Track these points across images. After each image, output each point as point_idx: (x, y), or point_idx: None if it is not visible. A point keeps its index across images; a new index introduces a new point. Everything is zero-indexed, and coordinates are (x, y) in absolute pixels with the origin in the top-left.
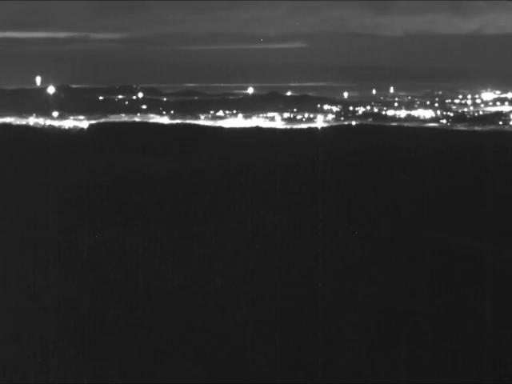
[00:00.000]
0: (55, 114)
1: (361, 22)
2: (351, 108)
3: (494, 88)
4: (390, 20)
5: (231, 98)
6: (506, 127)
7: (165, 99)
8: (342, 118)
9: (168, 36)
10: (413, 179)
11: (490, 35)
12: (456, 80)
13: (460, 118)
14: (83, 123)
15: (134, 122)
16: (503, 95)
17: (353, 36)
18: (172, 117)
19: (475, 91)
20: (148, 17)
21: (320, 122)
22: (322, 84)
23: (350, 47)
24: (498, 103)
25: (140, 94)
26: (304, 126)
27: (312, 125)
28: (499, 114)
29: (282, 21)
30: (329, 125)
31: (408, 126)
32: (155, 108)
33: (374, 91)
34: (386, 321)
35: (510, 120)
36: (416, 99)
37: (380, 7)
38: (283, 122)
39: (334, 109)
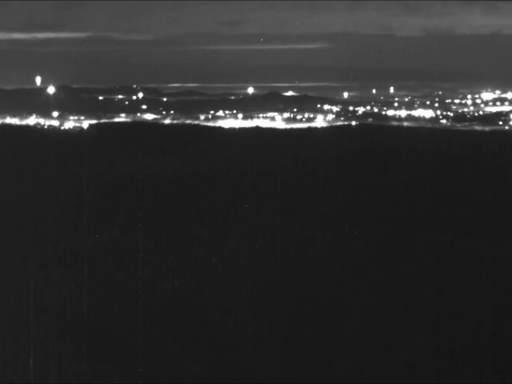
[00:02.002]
0: (55, 114)
1: (382, 22)
2: (351, 108)
3: (494, 88)
4: (412, 20)
5: (231, 98)
6: (506, 127)
7: (165, 99)
8: (342, 118)
9: (191, 36)
10: (413, 179)
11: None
12: (458, 80)
13: (460, 117)
14: (83, 123)
15: (134, 122)
16: (503, 95)
17: (370, 37)
18: (172, 117)
19: (475, 91)
20: (169, 17)
21: (320, 122)
22: (322, 84)
23: (363, 48)
24: (498, 103)
25: (140, 94)
26: (304, 125)
27: (312, 125)
28: (499, 114)
29: (304, 21)
30: (329, 125)
31: (408, 126)
32: (155, 108)
33: (374, 91)
34: (386, 321)
35: (510, 120)
36: (416, 99)
37: (403, 7)
38: (283, 122)
39: (334, 109)
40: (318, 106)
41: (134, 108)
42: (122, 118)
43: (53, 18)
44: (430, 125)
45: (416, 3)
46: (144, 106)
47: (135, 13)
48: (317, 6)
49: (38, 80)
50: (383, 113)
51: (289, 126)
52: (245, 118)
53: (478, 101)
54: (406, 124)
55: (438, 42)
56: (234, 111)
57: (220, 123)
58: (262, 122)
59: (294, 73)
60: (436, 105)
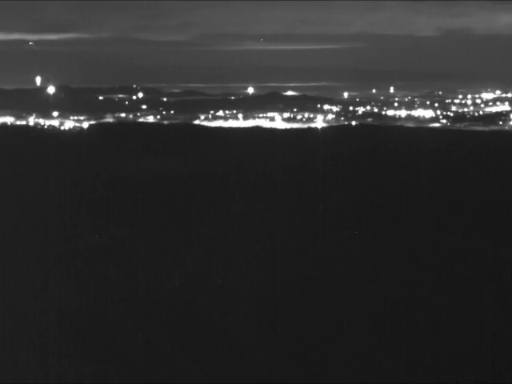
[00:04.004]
0: (55, 114)
1: (400, 22)
2: (351, 108)
3: (494, 88)
4: (426, 20)
5: (231, 98)
6: (506, 127)
7: (165, 99)
8: (342, 118)
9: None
10: (413, 179)
11: None
12: (458, 80)
13: (460, 117)
14: (83, 123)
15: (134, 122)
16: (503, 95)
17: (386, 38)
18: (172, 117)
19: (475, 91)
20: (188, 18)
21: (320, 122)
22: (321, 84)
23: (380, 49)
24: (498, 103)
25: (140, 94)
26: (304, 125)
27: (312, 125)
28: (499, 114)
29: (323, 22)
30: (329, 125)
31: (408, 126)
32: (155, 108)
33: (373, 91)
34: (386, 321)
35: (510, 120)
36: (416, 99)
37: (416, 7)
38: (283, 122)
39: (334, 109)
40: (318, 106)
41: (133, 108)
42: (122, 118)
43: (74, 18)
44: (430, 125)
45: (435, 3)
46: (144, 106)
47: (151, 15)
48: (335, 7)
49: (38, 80)
50: (383, 113)
51: (289, 126)
52: (245, 118)
53: (478, 101)
54: (406, 124)
55: (454, 42)
56: (234, 111)
57: (220, 123)
58: (262, 121)
59: (308, 74)
60: (436, 105)
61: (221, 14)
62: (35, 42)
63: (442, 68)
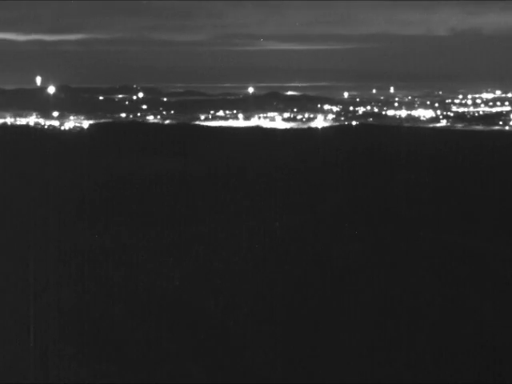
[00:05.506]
0: (55, 114)
1: (413, 22)
2: (351, 108)
3: (494, 88)
4: (441, 20)
5: (231, 97)
6: (506, 127)
7: (165, 99)
8: (342, 118)
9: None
10: (413, 179)
11: None
12: (458, 80)
13: (460, 117)
14: (83, 123)
15: (134, 122)
16: (503, 95)
17: (398, 38)
18: (172, 117)
19: (475, 91)
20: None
21: (320, 122)
22: (322, 84)
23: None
24: (498, 103)
25: (140, 94)
26: (304, 125)
27: (312, 125)
28: (499, 114)
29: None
30: (329, 125)
31: (408, 126)
32: (155, 108)
33: (374, 91)
34: (386, 320)
35: (510, 120)
36: (416, 99)
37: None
38: (283, 122)
39: (334, 109)
40: (318, 105)
41: (133, 108)
42: (122, 118)
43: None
44: (430, 125)
45: (451, 3)
46: (144, 106)
47: (151, 16)
48: (337, 7)
49: (38, 80)
50: (383, 113)
51: (289, 126)
52: (245, 117)
53: (478, 101)
54: (406, 124)
55: (466, 42)
56: (234, 111)
57: (220, 123)
58: (262, 121)
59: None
60: (436, 105)
61: (221, 16)
62: (50, 42)
63: (449, 68)
